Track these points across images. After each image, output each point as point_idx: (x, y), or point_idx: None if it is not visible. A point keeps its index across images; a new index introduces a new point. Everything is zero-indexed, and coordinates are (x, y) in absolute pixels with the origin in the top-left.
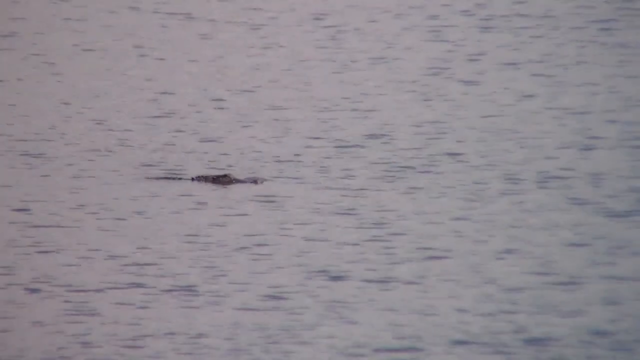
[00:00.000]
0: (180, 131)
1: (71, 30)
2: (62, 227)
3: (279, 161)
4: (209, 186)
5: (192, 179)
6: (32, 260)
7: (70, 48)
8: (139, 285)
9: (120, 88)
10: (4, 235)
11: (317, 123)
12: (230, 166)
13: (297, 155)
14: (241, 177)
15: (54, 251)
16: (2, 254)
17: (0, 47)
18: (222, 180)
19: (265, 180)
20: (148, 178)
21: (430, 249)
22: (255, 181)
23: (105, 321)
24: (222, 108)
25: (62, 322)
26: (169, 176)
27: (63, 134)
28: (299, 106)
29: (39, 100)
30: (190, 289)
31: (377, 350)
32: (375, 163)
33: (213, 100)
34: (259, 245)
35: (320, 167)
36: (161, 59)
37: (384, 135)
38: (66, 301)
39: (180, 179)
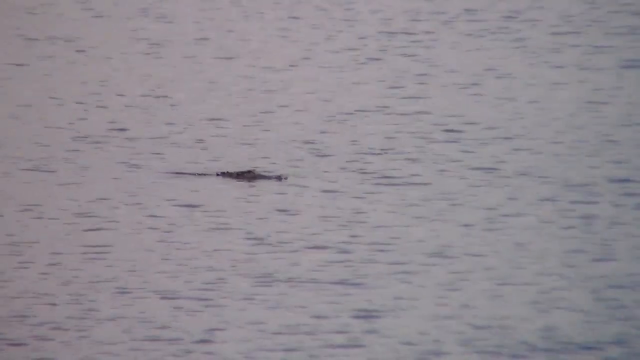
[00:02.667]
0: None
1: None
2: (112, 229)
3: (296, 159)
4: (235, 182)
5: (217, 175)
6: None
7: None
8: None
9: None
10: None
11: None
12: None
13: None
14: (265, 173)
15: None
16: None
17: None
18: (246, 176)
19: (289, 176)
20: (174, 173)
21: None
22: (279, 177)
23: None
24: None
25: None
26: (192, 172)
27: (85, 137)
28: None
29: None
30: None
31: None
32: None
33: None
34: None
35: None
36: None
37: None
38: None
39: (204, 175)
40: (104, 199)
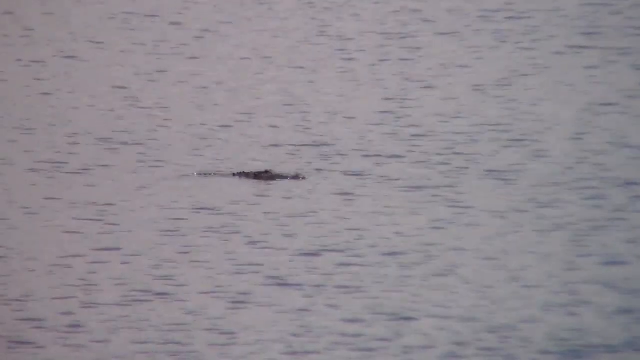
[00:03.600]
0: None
1: None
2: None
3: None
4: (252, 182)
5: (233, 175)
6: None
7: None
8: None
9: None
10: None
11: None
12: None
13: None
14: (282, 174)
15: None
16: None
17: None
18: (263, 176)
19: (306, 176)
20: (190, 175)
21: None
22: (297, 177)
23: None
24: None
25: None
26: (209, 172)
27: (103, 138)
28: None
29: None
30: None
31: None
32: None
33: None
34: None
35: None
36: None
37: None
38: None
39: (221, 175)
40: (123, 200)
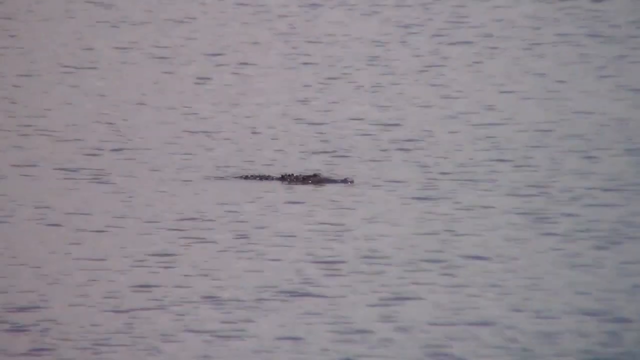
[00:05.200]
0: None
1: None
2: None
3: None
4: (301, 186)
5: (282, 178)
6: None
7: None
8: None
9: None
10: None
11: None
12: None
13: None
14: (331, 177)
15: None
16: None
17: None
18: (312, 179)
19: (355, 180)
20: (236, 178)
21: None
22: (345, 180)
23: None
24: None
25: None
26: (255, 175)
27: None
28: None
29: None
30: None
31: None
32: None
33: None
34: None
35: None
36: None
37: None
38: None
39: (268, 178)
40: (171, 205)
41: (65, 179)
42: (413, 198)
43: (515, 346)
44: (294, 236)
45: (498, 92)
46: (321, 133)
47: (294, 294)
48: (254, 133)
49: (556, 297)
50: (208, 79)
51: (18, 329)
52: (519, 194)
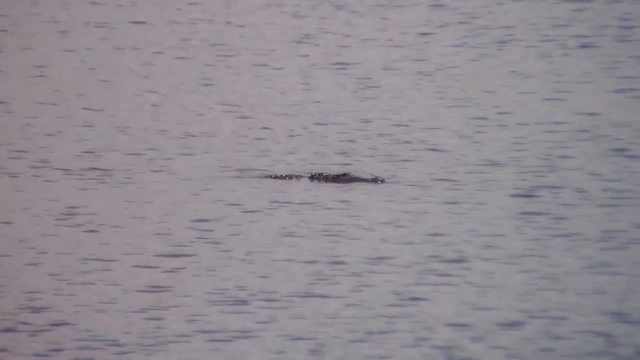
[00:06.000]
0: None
1: None
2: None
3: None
4: (331, 185)
5: (311, 177)
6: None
7: None
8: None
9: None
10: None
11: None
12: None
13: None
14: (361, 176)
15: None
16: None
17: None
18: (342, 178)
19: (386, 178)
20: (264, 177)
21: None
22: (376, 179)
23: None
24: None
25: None
26: (285, 175)
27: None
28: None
29: None
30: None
31: None
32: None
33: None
34: None
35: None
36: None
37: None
38: None
39: (298, 177)
40: (199, 205)
41: (80, 179)
42: (440, 197)
43: (532, 347)
44: (321, 236)
45: (520, 92)
46: (350, 132)
47: (313, 294)
48: (283, 133)
49: (575, 299)
50: (237, 75)
51: (31, 330)
52: (541, 195)
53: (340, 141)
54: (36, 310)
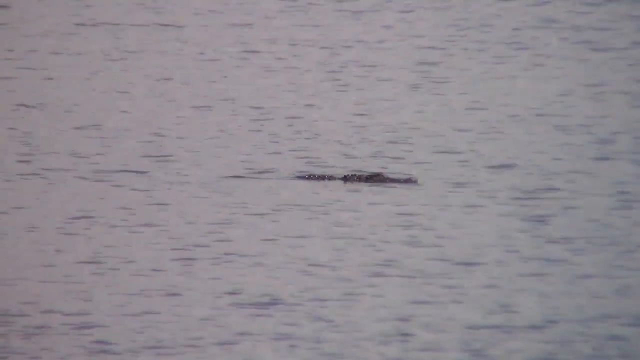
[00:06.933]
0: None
1: None
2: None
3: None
4: (364, 186)
5: (345, 178)
6: None
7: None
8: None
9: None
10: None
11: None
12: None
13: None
14: (394, 176)
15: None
16: None
17: None
18: (375, 179)
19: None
20: (299, 178)
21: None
22: (409, 180)
23: None
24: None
25: None
26: (318, 176)
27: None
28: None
29: None
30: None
31: None
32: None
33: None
34: None
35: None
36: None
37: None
38: None
39: (331, 178)
40: (229, 204)
41: (90, 181)
42: (468, 200)
43: (546, 349)
44: (356, 238)
45: (550, 95)
46: (384, 132)
47: (334, 299)
48: (316, 133)
49: (589, 302)
50: (270, 72)
51: (54, 332)
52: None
53: (371, 142)
54: (54, 312)
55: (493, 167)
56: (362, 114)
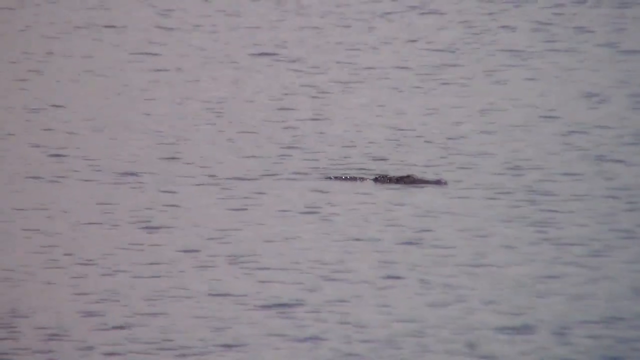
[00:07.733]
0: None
1: None
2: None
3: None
4: (395, 187)
5: (376, 179)
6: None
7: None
8: None
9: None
10: None
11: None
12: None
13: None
14: (424, 178)
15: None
16: None
17: None
18: (405, 180)
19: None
20: (331, 179)
21: None
22: (439, 181)
23: None
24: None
25: None
26: (350, 177)
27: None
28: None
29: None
30: None
31: None
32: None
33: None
34: None
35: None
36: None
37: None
38: None
39: (362, 179)
40: (263, 204)
41: (123, 183)
42: (499, 202)
43: (544, 353)
44: (377, 239)
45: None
46: (415, 136)
47: (350, 301)
48: (347, 135)
49: (590, 303)
50: (302, 74)
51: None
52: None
53: (400, 145)
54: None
55: (510, 168)
56: (389, 117)
